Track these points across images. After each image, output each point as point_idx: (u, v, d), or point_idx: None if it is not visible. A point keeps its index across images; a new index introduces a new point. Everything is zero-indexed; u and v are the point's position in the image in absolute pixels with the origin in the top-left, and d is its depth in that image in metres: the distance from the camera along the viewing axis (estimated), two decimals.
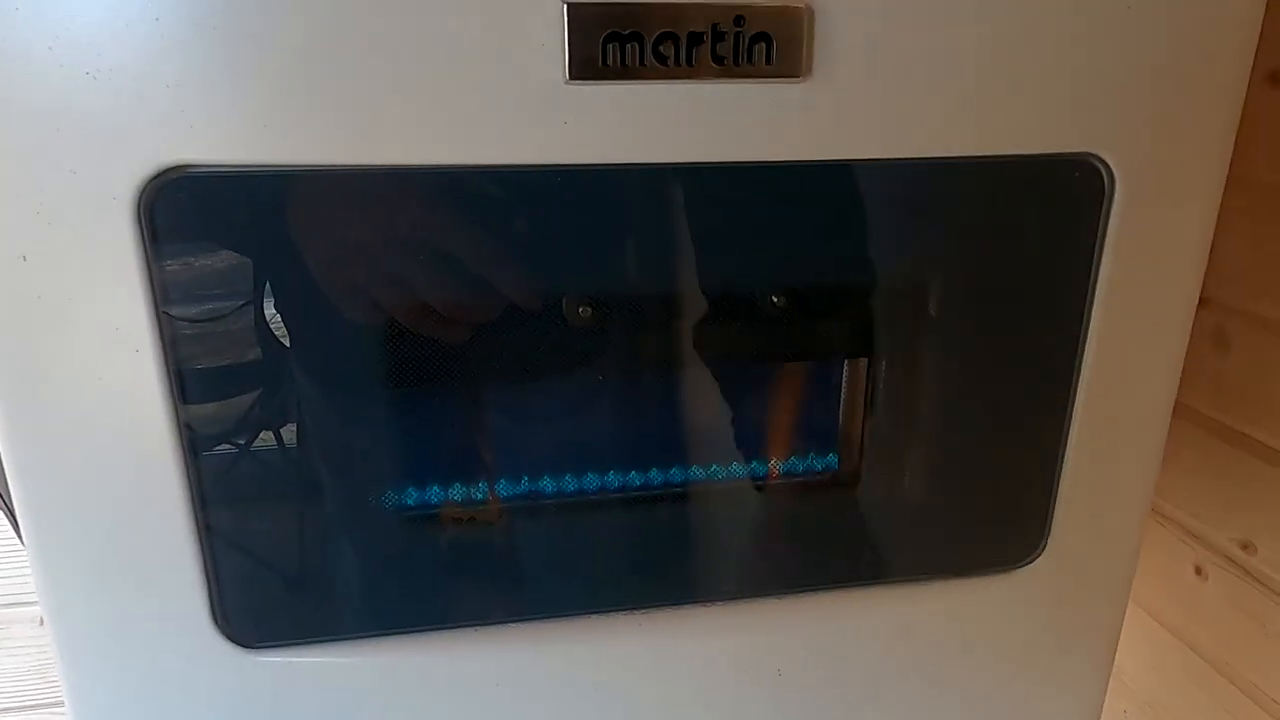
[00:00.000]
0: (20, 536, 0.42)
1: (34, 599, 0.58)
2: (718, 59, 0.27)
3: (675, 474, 0.36)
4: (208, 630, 0.33)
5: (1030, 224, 0.34)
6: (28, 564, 0.55)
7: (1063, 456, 0.37)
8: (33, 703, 0.61)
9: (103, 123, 0.26)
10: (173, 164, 0.27)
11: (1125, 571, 0.41)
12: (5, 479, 0.39)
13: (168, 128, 0.27)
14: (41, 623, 0.59)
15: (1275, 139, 0.58)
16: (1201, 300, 0.63)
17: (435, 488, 0.34)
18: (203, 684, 0.34)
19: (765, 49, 0.27)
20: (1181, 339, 0.38)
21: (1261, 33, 0.57)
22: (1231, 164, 0.60)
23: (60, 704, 0.60)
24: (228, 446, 0.31)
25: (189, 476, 0.30)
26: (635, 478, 0.36)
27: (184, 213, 0.28)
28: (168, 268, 0.28)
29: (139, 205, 0.27)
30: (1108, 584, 0.41)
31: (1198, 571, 0.66)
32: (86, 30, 0.25)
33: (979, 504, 0.38)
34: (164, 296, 0.28)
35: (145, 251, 0.28)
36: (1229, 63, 0.34)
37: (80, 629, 0.33)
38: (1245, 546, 0.61)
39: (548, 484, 0.35)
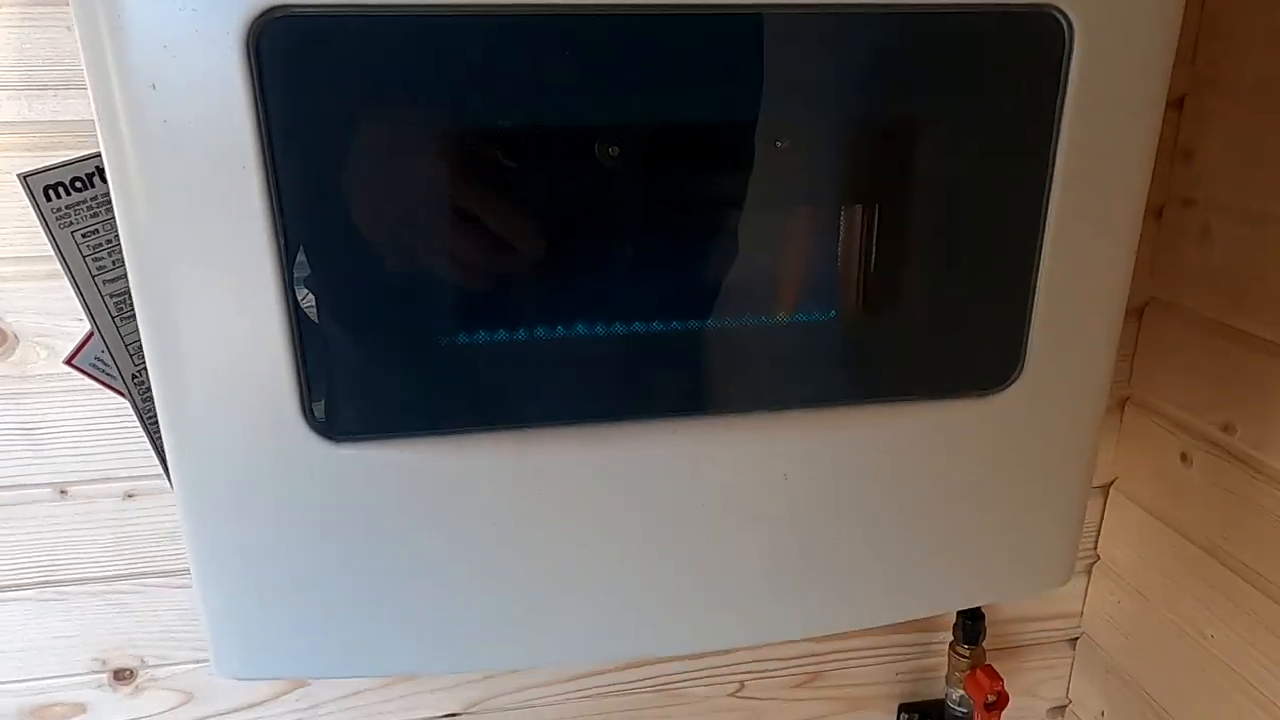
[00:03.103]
0: (129, 392, 0.48)
1: (119, 475, 0.65)
2: None
3: (700, 304, 0.41)
4: (300, 425, 0.39)
5: (1001, 72, 0.39)
6: (108, 444, 0.62)
7: (1034, 289, 0.42)
8: (119, 573, 0.68)
9: None
10: (277, 4, 0.33)
11: (1094, 402, 0.46)
12: (119, 346, 0.45)
13: None
14: (128, 496, 0.66)
15: (1249, 49, 0.62)
16: (1186, 200, 0.69)
17: (499, 318, 0.40)
18: (294, 474, 0.40)
19: None
20: (1143, 178, 0.42)
21: None
22: (1212, 70, 0.64)
23: (139, 575, 0.67)
24: (318, 259, 0.37)
25: (286, 282, 0.36)
26: (665, 307, 0.41)
27: (287, 49, 0.33)
28: (272, 99, 0.34)
29: (248, 41, 0.33)
30: (1078, 412, 0.46)
31: (1184, 459, 0.70)
32: None
33: (960, 333, 0.43)
34: (269, 123, 0.34)
35: (254, 83, 0.34)
36: None
37: (191, 434, 0.39)
38: (1226, 428, 0.66)
39: (593, 313, 0.41)
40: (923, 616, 0.50)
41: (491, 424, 0.40)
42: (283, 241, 0.36)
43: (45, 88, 0.55)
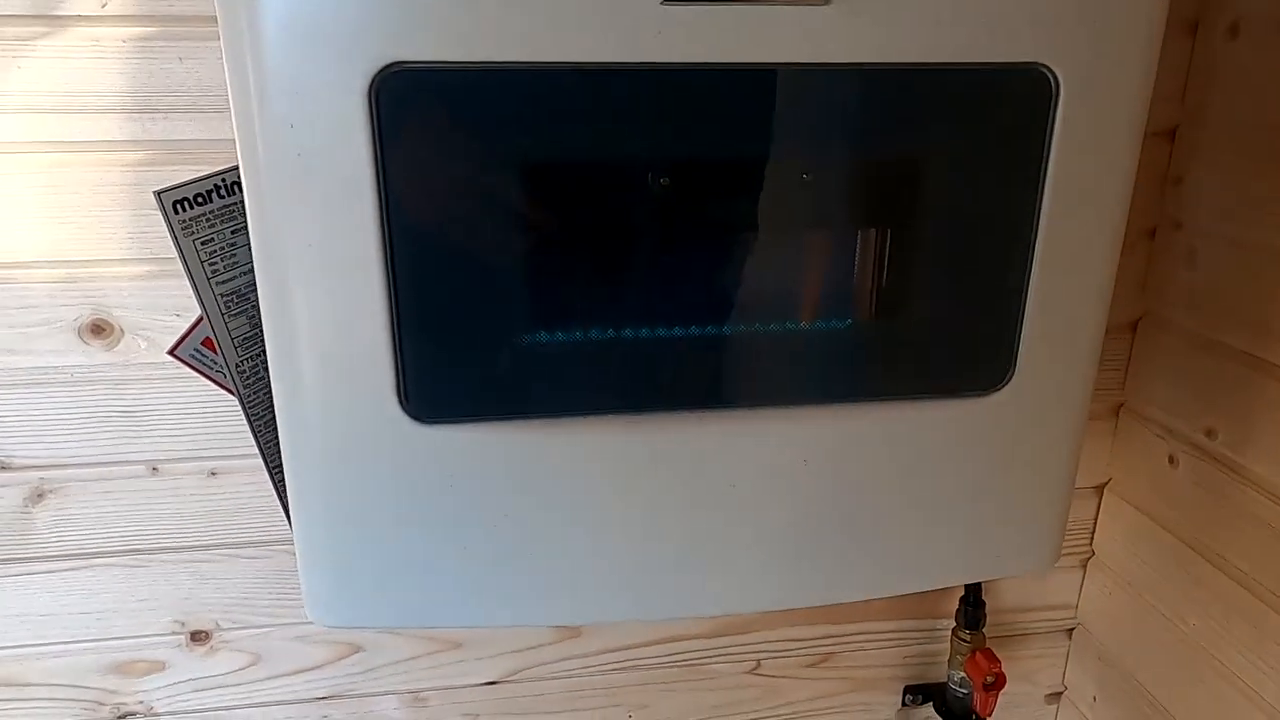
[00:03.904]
0: (231, 378, 0.55)
1: (204, 455, 0.72)
2: None
3: (733, 312, 0.48)
4: (396, 409, 0.46)
5: (997, 119, 0.46)
6: (196, 427, 0.69)
7: (1024, 305, 0.49)
8: (200, 544, 0.75)
9: (349, 28, 0.39)
10: (394, 60, 0.40)
11: (1078, 403, 0.53)
12: (226, 339, 0.53)
13: (391, 34, 0.40)
14: (211, 474, 0.73)
15: (1235, 85, 0.68)
16: (1176, 223, 0.75)
17: (564, 318, 0.47)
18: (387, 449, 0.47)
19: None
20: (1121, 208, 0.48)
21: None
22: (1198, 106, 0.70)
23: (218, 545, 0.75)
24: (415, 271, 0.44)
25: (390, 289, 0.44)
26: (705, 314, 0.48)
27: (403, 97, 0.41)
28: (388, 137, 0.41)
29: (370, 91, 0.40)
30: (1064, 412, 0.52)
31: (1171, 461, 0.76)
32: None
33: (959, 341, 0.50)
34: (384, 158, 0.41)
35: (374, 125, 0.41)
36: None
37: (302, 412, 0.47)
38: (1209, 433, 0.72)
39: (643, 319, 0.47)
40: (924, 589, 0.56)
41: (555, 412, 0.47)
42: (389, 255, 0.43)
43: (158, 111, 0.63)
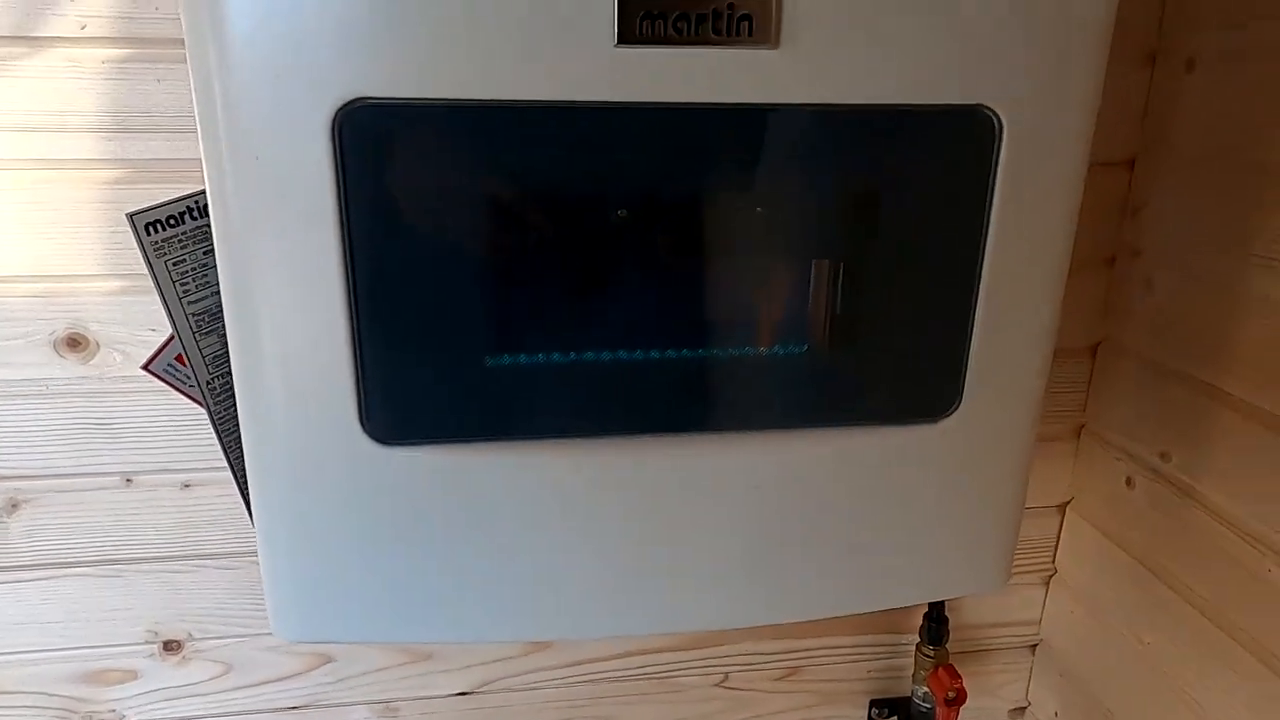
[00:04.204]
0: (202, 396, 0.56)
1: (178, 467, 0.73)
2: (715, 31, 0.41)
3: (688, 339, 0.50)
4: (357, 430, 0.47)
5: (941, 158, 0.47)
6: (171, 439, 0.70)
7: (970, 335, 0.50)
8: (174, 555, 0.76)
9: (313, 64, 0.41)
10: (356, 96, 0.41)
11: (1025, 430, 0.54)
12: (197, 358, 0.54)
13: (354, 70, 0.41)
14: (185, 486, 0.74)
15: (1191, 118, 0.70)
16: (1135, 251, 0.77)
17: (523, 344, 0.48)
18: (349, 469, 0.48)
19: (748, 25, 0.41)
20: (1065, 243, 0.50)
21: (1172, 25, 0.71)
22: (1156, 138, 0.72)
23: (191, 556, 0.75)
24: (377, 296, 0.45)
25: (352, 314, 0.45)
26: (660, 339, 0.50)
27: (364, 130, 0.42)
28: (350, 169, 0.43)
29: (333, 124, 0.42)
30: (1010, 439, 0.54)
31: (1128, 483, 0.78)
32: (305, 6, 0.40)
33: (908, 370, 0.51)
34: (347, 188, 0.43)
35: (337, 157, 0.42)
36: (1093, 35, 0.46)
37: (267, 431, 0.48)
38: (1164, 456, 0.74)
39: (605, 343, 0.49)
40: (876, 610, 0.58)
41: (512, 435, 0.48)
42: (352, 282, 0.44)
43: (135, 130, 0.64)
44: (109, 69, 0.63)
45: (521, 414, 0.48)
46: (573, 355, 0.48)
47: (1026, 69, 0.46)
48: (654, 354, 0.49)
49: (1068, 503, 0.88)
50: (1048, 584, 0.91)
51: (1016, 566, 0.89)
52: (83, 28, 0.62)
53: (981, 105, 0.46)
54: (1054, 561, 0.90)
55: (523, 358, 0.47)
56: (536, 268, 0.47)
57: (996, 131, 0.47)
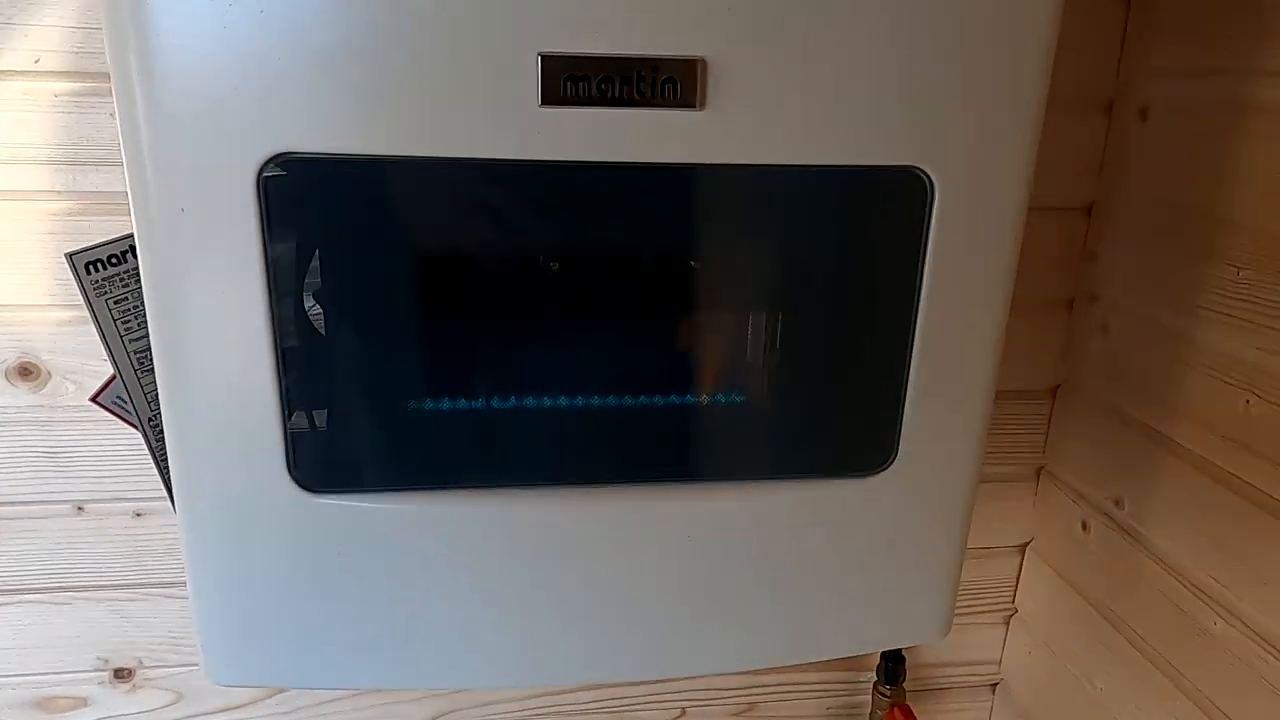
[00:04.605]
0: (144, 432, 0.56)
1: (130, 496, 0.73)
2: (640, 93, 0.41)
3: (615, 387, 0.50)
4: (284, 478, 0.47)
5: (874, 218, 0.48)
6: (122, 468, 0.70)
7: (904, 392, 0.50)
8: (125, 583, 0.76)
9: (239, 121, 0.41)
10: (281, 150, 0.42)
11: (964, 489, 0.54)
12: (140, 396, 0.54)
13: (280, 125, 0.41)
14: (136, 515, 0.74)
15: (1145, 166, 0.70)
16: (1092, 296, 0.77)
17: (452, 393, 0.48)
18: (277, 516, 0.48)
19: (672, 88, 0.41)
20: (1000, 300, 0.50)
21: (1129, 74, 0.71)
22: (1113, 186, 0.73)
23: (142, 585, 0.75)
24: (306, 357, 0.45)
25: (278, 364, 0.45)
26: (587, 390, 0.50)
27: (287, 183, 0.42)
28: (275, 219, 0.43)
29: (258, 176, 0.42)
30: (946, 494, 0.54)
31: (1084, 526, 0.78)
32: (231, 62, 0.40)
33: (843, 425, 0.52)
34: (271, 238, 0.43)
35: (262, 211, 0.42)
36: (1026, 97, 0.46)
37: (196, 478, 0.48)
38: (1117, 502, 0.74)
39: (534, 393, 0.49)
40: (816, 660, 0.58)
41: (436, 485, 0.48)
42: (276, 333, 0.44)
43: (87, 163, 0.64)
44: (62, 102, 0.63)
45: (447, 465, 0.48)
46: (495, 406, 0.48)
47: (958, 130, 0.46)
48: (579, 404, 0.49)
49: (1028, 543, 0.87)
50: (1008, 624, 0.91)
51: (977, 605, 0.90)
52: (36, 61, 0.62)
53: (912, 166, 0.46)
54: (1014, 601, 0.90)
55: (445, 408, 0.47)
56: (459, 320, 0.47)
57: (928, 191, 0.47)
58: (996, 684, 0.94)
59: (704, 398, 0.51)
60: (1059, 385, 0.81)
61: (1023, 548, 0.88)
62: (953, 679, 0.93)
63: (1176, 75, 0.67)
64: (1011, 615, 0.90)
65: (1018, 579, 0.89)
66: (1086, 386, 0.78)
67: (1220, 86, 0.63)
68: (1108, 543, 0.75)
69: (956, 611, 0.88)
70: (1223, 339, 0.63)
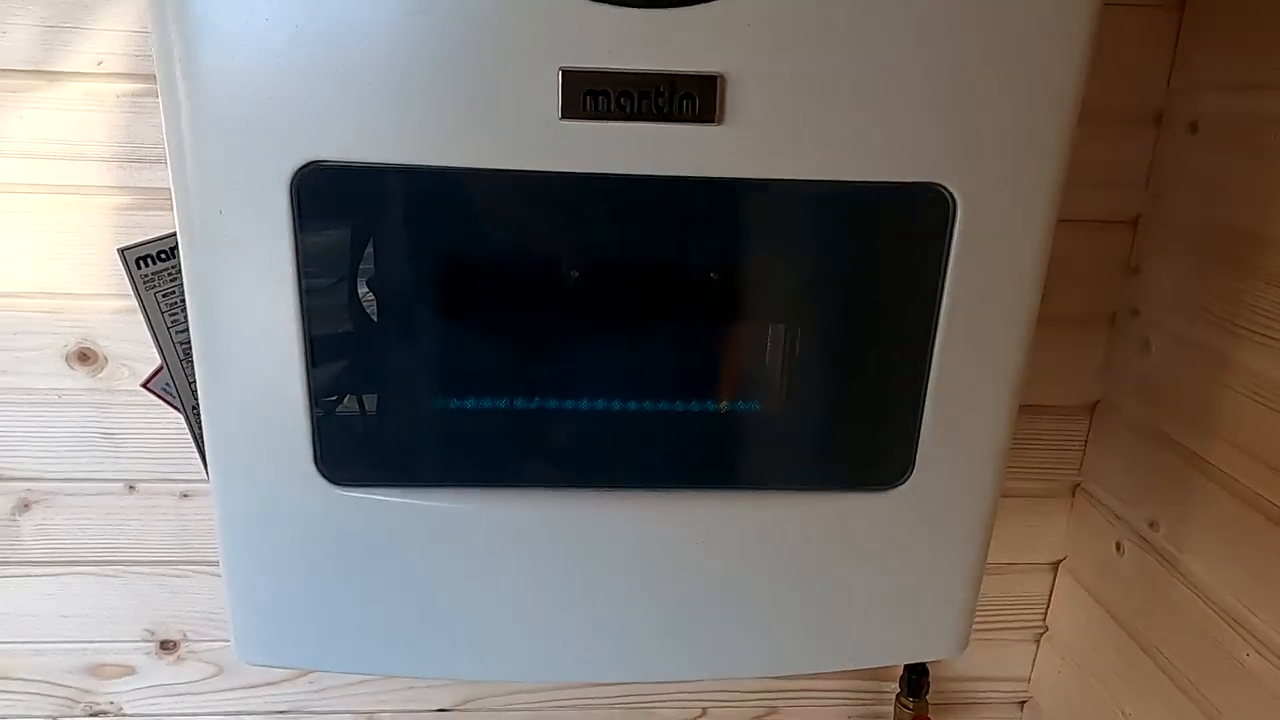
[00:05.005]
0: (188, 419, 0.59)
1: (177, 477, 0.77)
2: (658, 108, 0.42)
3: (635, 392, 0.51)
4: (312, 472, 0.49)
5: (894, 234, 0.47)
6: (171, 451, 0.73)
7: (922, 407, 0.50)
8: (171, 559, 0.80)
9: (274, 131, 0.43)
10: (313, 159, 0.43)
11: (981, 507, 0.54)
12: (184, 384, 0.57)
13: (312, 134, 0.43)
14: (183, 496, 0.77)
15: (1192, 181, 0.68)
16: (1134, 311, 0.75)
17: (472, 394, 0.50)
18: (305, 507, 0.50)
19: (691, 104, 0.42)
20: (1025, 317, 0.49)
21: (1179, 87, 0.69)
22: (1159, 199, 0.71)
23: (188, 562, 0.79)
24: (333, 356, 0.47)
25: (307, 364, 0.47)
26: (607, 394, 0.51)
27: (319, 189, 0.44)
28: (306, 223, 0.45)
29: (292, 183, 0.44)
30: (964, 510, 0.53)
31: (1118, 547, 0.77)
32: (267, 76, 0.42)
33: (858, 438, 0.52)
34: (303, 241, 0.45)
35: (294, 215, 0.44)
36: (1055, 115, 0.46)
37: (231, 469, 0.50)
38: (1152, 524, 0.72)
39: (552, 396, 0.50)
40: (829, 670, 0.58)
41: (455, 482, 0.50)
42: (307, 332, 0.46)
43: (144, 160, 0.67)
44: (122, 102, 0.66)
45: (467, 463, 0.50)
46: (516, 408, 0.49)
47: (981, 147, 0.45)
48: (598, 408, 0.50)
49: (1061, 561, 0.86)
50: (1038, 641, 0.89)
51: (1007, 622, 0.89)
52: (99, 63, 0.65)
53: (934, 183, 0.46)
54: (1045, 619, 0.88)
55: (466, 408, 0.49)
56: (480, 323, 0.48)
57: (950, 208, 0.46)
58: (1025, 702, 0.92)
59: (721, 407, 0.52)
60: (1098, 402, 0.80)
61: (1055, 565, 0.86)
62: (980, 695, 0.92)
63: (1229, 89, 0.65)
64: (1042, 634, 0.89)
65: (1050, 597, 0.87)
66: (1125, 404, 0.76)
67: (1274, 101, 0.60)
68: (1142, 565, 0.73)
69: (986, 627, 0.88)
70: (1266, 362, 0.61)
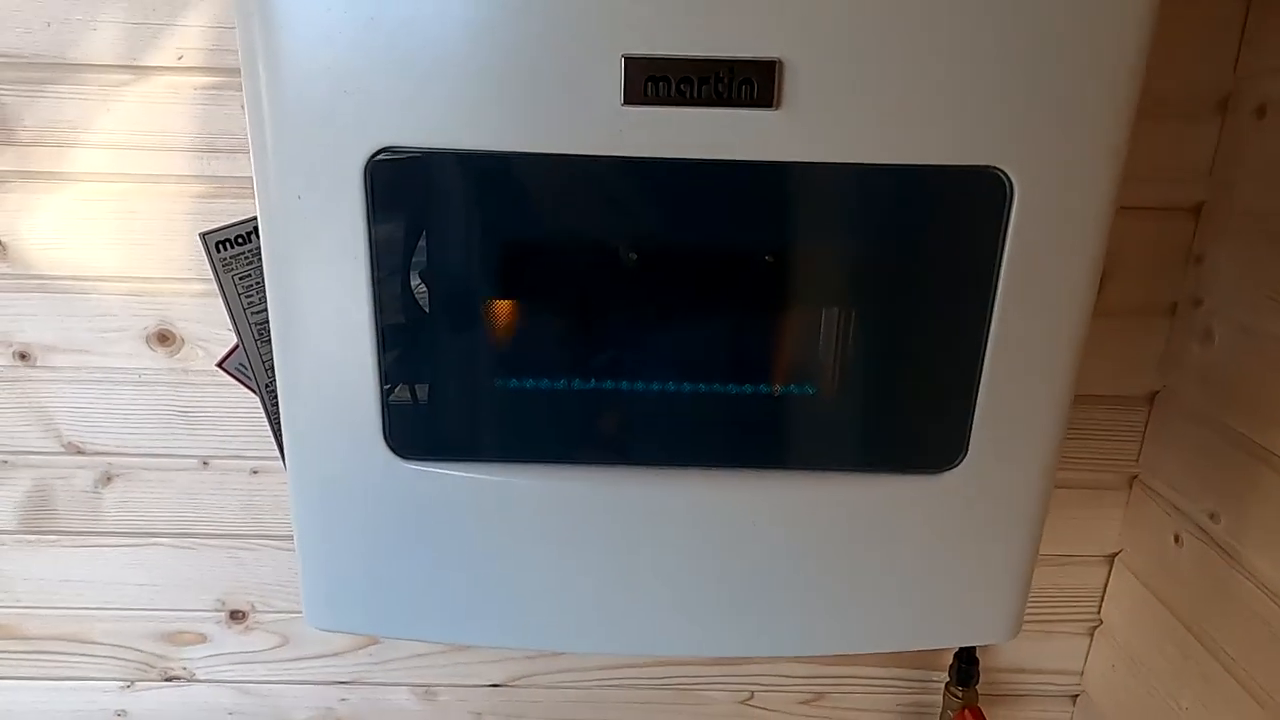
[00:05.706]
0: (261, 397, 0.62)
1: (248, 454, 0.80)
2: (718, 94, 0.43)
3: (694, 373, 0.52)
4: (380, 446, 0.52)
5: (951, 218, 0.48)
6: (243, 429, 0.77)
7: (976, 390, 0.51)
8: (241, 533, 0.83)
9: (348, 119, 0.45)
10: (386, 145, 0.45)
11: (1034, 493, 0.54)
12: (259, 364, 0.59)
13: (385, 122, 0.45)
14: (253, 472, 0.81)
15: (1259, 167, 0.67)
16: (1196, 300, 0.74)
17: (534, 373, 0.52)
18: (374, 480, 0.52)
19: (749, 89, 0.43)
20: (1080, 302, 0.49)
21: (1246, 70, 0.68)
22: (1224, 186, 0.70)
23: (258, 535, 0.82)
24: (403, 335, 0.49)
25: (379, 342, 0.49)
26: (667, 375, 0.52)
27: (391, 175, 0.46)
28: (379, 208, 0.47)
29: (365, 169, 0.46)
30: (1018, 494, 0.53)
31: (1176, 540, 0.75)
32: (343, 66, 0.44)
33: (912, 421, 0.52)
34: (375, 225, 0.47)
35: (368, 199, 0.46)
36: (1114, 99, 0.46)
37: (305, 443, 0.53)
38: (1213, 516, 0.71)
39: (610, 376, 0.52)
40: (878, 651, 0.59)
41: (518, 459, 0.51)
42: (378, 312, 0.48)
43: (222, 150, 0.71)
44: (201, 95, 0.69)
45: (529, 440, 0.51)
46: (575, 388, 0.51)
47: (1039, 131, 0.46)
48: (655, 389, 0.51)
49: (1116, 554, 0.85)
50: (1092, 635, 0.88)
51: (1061, 614, 0.88)
52: (180, 58, 0.68)
53: (992, 166, 0.46)
54: (1099, 612, 0.87)
55: (529, 387, 0.51)
56: (543, 304, 0.50)
57: (1007, 192, 0.47)
58: (1077, 695, 0.91)
59: (777, 388, 0.53)
60: (1157, 392, 0.79)
61: (1111, 558, 0.85)
62: (1031, 686, 0.91)
63: None
64: (1096, 626, 0.88)
65: (1104, 589, 0.86)
66: (1186, 394, 0.75)
67: None
68: (1201, 558, 0.72)
69: (1039, 618, 0.87)
70: None
